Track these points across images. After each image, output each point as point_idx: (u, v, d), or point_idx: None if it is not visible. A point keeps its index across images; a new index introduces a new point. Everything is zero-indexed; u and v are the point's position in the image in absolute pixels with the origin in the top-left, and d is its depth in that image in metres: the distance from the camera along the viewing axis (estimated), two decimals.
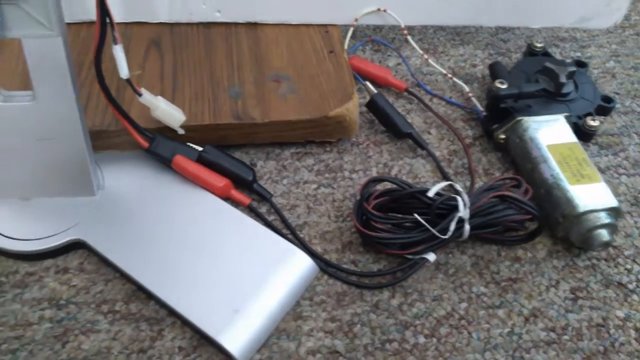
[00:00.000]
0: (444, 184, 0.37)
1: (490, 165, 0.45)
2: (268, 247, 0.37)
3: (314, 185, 0.42)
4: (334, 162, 0.44)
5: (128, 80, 0.36)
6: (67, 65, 0.33)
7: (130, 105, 0.40)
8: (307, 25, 0.49)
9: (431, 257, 0.37)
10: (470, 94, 0.49)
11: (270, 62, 0.46)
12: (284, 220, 0.40)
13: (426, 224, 0.36)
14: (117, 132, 0.40)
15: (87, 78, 0.43)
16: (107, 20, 0.32)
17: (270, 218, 0.40)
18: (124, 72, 0.35)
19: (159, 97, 0.39)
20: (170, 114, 0.39)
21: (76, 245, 0.37)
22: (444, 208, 0.37)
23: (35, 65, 0.33)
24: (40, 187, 0.38)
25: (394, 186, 0.38)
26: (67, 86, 0.34)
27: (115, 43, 0.34)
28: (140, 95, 0.37)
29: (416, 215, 0.36)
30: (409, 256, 0.38)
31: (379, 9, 0.49)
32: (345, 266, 0.38)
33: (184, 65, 0.45)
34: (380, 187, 0.38)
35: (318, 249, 0.39)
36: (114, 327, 0.34)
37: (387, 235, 0.37)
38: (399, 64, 0.52)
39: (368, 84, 0.45)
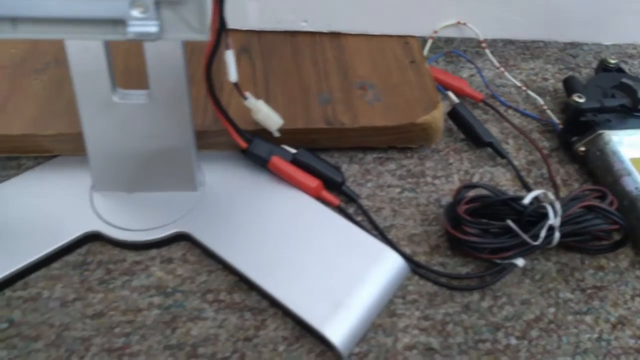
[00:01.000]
0: (538, 192, 0.38)
1: (568, 176, 0.46)
2: (361, 245, 0.39)
3: (398, 189, 0.44)
4: (415, 167, 0.45)
5: (236, 84, 0.38)
6: (183, 66, 0.35)
7: (227, 108, 0.43)
8: (387, 36, 0.51)
9: (520, 262, 0.39)
10: (544, 107, 0.50)
11: (355, 70, 0.48)
12: (372, 222, 0.41)
13: (519, 231, 0.37)
14: (217, 133, 0.42)
15: None
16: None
17: (358, 219, 0.41)
18: (233, 76, 0.38)
19: (260, 101, 0.41)
20: (270, 117, 0.41)
21: (179, 237, 0.39)
22: (534, 215, 0.38)
23: (154, 66, 0.35)
24: (146, 182, 0.40)
25: (486, 192, 0.39)
26: (182, 87, 0.36)
27: (227, 48, 0.37)
28: (245, 98, 0.40)
29: (509, 222, 0.38)
30: (498, 261, 0.39)
31: (458, 22, 0.51)
32: (435, 268, 0.39)
33: (274, 72, 0.47)
34: (471, 193, 0.40)
35: (407, 250, 0.40)
36: (219, 315, 0.36)
37: (478, 240, 0.38)
38: (472, 75, 0.54)
39: (450, 93, 0.47)
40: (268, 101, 0.44)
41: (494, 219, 0.39)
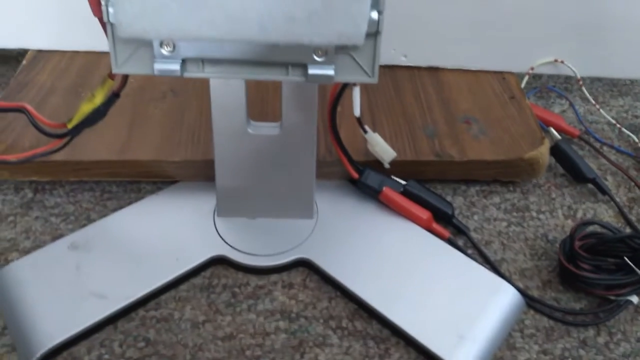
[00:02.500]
0: None
1: None
2: (477, 278, 0.39)
3: (505, 223, 0.45)
4: (519, 201, 0.46)
5: (358, 119, 0.40)
6: (316, 101, 0.37)
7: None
8: (484, 72, 0.52)
9: (635, 299, 0.39)
10: (639, 144, 0.51)
11: (457, 104, 0.49)
12: (483, 255, 0.42)
13: (636, 269, 0.38)
14: (331, 163, 0.43)
15: None
16: None
17: (468, 252, 0.42)
18: (357, 111, 0.39)
19: (376, 134, 0.42)
20: (385, 150, 0.42)
21: (299, 263, 0.40)
22: None
23: (289, 100, 0.37)
24: (267, 208, 0.41)
25: (602, 229, 0.40)
26: (312, 120, 0.38)
27: (355, 84, 0.38)
28: (366, 132, 0.41)
29: (627, 260, 0.38)
30: (613, 297, 0.39)
31: (556, 60, 0.52)
32: (549, 302, 0.40)
33: (378, 105, 0.49)
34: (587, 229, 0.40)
35: (519, 284, 0.41)
36: (344, 342, 0.37)
37: (593, 276, 0.39)
38: (563, 111, 0.55)
39: (552, 130, 0.48)
40: (374, 130, 0.46)
41: (608, 255, 0.40)
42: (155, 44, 0.28)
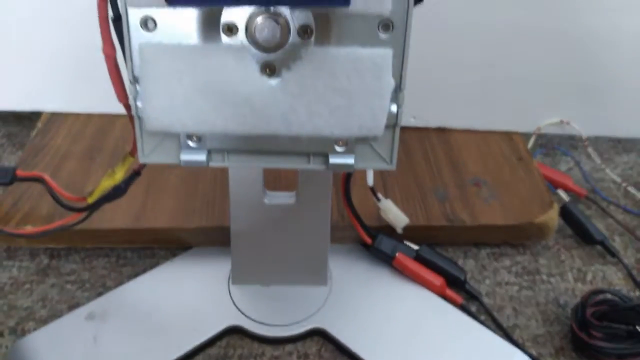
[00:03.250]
0: None
1: None
2: (490, 346, 0.39)
3: (516, 287, 0.45)
4: (529, 264, 0.47)
5: (372, 188, 0.41)
6: (331, 173, 0.38)
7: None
8: (492, 132, 0.53)
9: None
10: None
11: (466, 166, 0.50)
12: (495, 321, 0.42)
13: None
14: (344, 228, 0.44)
15: None
16: None
17: (481, 318, 0.43)
18: (370, 180, 0.40)
19: (389, 200, 0.43)
20: (398, 216, 0.43)
21: (314, 332, 0.40)
22: None
23: (305, 172, 0.38)
24: (281, 275, 0.42)
25: (613, 297, 0.40)
26: (328, 190, 0.39)
27: None
28: (379, 200, 0.42)
29: (638, 328, 0.39)
30: None
31: (561, 121, 0.53)
32: None
33: None
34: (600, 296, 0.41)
35: (533, 352, 0.41)
36: None
37: (605, 345, 0.39)
38: (569, 169, 0.56)
39: (560, 192, 0.49)
40: (386, 195, 0.47)
41: (621, 322, 0.40)
42: (182, 136, 0.29)
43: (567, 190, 0.52)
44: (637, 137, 0.57)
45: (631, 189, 0.53)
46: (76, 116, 0.53)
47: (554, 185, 0.51)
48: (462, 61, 0.50)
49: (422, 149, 0.52)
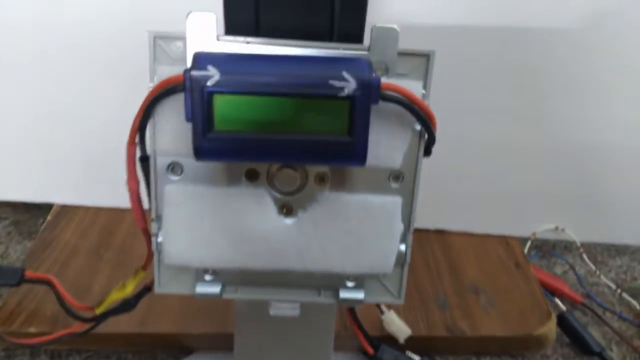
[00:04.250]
0: None
1: None
2: None
3: None
4: None
5: (377, 305, 0.42)
6: None
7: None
8: (489, 236, 0.55)
9: None
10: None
11: (465, 271, 0.51)
12: None
13: None
14: (346, 337, 0.44)
15: None
16: None
17: None
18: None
19: (392, 312, 0.44)
20: (401, 328, 0.44)
21: None
22: None
23: None
24: None
25: None
26: (333, 305, 0.39)
27: None
28: (382, 313, 0.43)
29: None
30: None
31: (557, 228, 0.55)
32: None
33: None
34: None
35: None
36: None
37: None
38: (564, 272, 0.57)
39: (558, 301, 0.50)
40: (389, 307, 0.47)
41: None
42: (199, 270, 0.30)
43: (563, 295, 0.53)
44: (630, 244, 0.59)
45: (625, 295, 0.54)
46: (86, 209, 0.54)
47: (550, 290, 0.53)
48: (461, 171, 0.52)
49: (422, 251, 0.53)
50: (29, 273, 0.42)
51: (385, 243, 0.29)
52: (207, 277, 0.30)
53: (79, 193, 0.54)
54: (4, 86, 0.50)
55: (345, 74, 0.24)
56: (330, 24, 0.27)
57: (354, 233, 0.29)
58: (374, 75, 0.25)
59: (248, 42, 0.26)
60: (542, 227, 0.55)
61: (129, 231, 0.52)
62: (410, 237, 0.30)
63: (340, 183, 0.28)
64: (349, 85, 0.24)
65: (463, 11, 0.47)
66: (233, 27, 0.27)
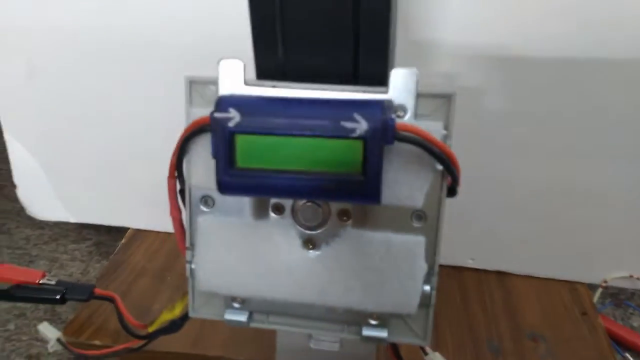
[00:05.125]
0: None
1: None
2: None
3: None
4: None
5: (422, 348, 0.41)
6: None
7: None
8: (554, 280, 0.52)
9: None
10: None
11: (524, 316, 0.48)
12: None
13: None
14: None
15: None
16: None
17: None
18: None
19: (437, 354, 0.43)
20: None
21: None
22: None
23: None
24: None
25: None
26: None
27: None
28: (426, 354, 0.42)
29: None
30: None
31: (631, 276, 0.50)
32: None
33: (442, 311, 0.49)
34: None
35: None
36: None
37: None
38: None
39: (629, 356, 0.46)
40: (437, 344, 0.46)
41: None
42: (227, 298, 0.31)
43: (636, 350, 0.48)
44: None
45: None
46: (156, 234, 0.58)
47: (621, 343, 0.48)
48: (526, 210, 0.50)
49: (480, 293, 0.51)
50: (97, 290, 0.46)
51: (407, 283, 0.29)
52: (236, 305, 0.31)
53: (151, 218, 0.58)
54: (76, 121, 0.56)
55: (357, 116, 0.25)
56: (353, 67, 0.28)
57: (376, 271, 0.29)
58: (389, 116, 0.25)
59: (274, 87, 0.28)
60: (614, 275, 0.51)
61: None
62: (434, 279, 0.29)
63: (363, 220, 0.29)
64: (360, 126, 0.25)
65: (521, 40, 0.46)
66: (262, 71, 0.29)
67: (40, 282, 0.45)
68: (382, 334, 0.30)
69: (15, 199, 0.65)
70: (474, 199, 0.51)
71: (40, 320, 0.51)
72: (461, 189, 0.29)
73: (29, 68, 0.54)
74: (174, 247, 0.57)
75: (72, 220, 0.60)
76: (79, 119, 0.55)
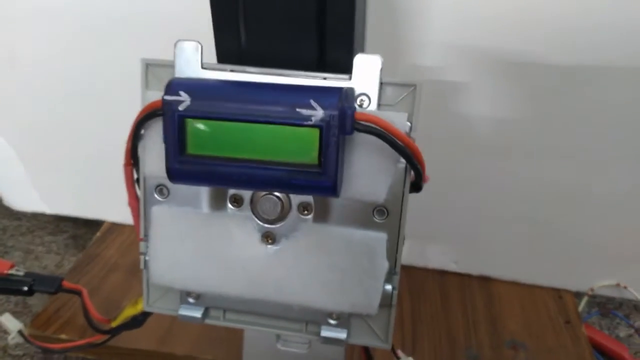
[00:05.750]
0: None
1: None
2: None
3: None
4: None
5: (392, 349, 0.39)
6: None
7: None
8: (539, 287, 0.50)
9: None
10: None
11: (505, 324, 0.47)
12: None
13: None
14: None
15: None
16: None
17: None
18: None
19: (410, 359, 0.41)
20: None
21: None
22: None
23: None
24: None
25: None
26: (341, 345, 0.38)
27: None
28: (398, 358, 0.40)
29: None
30: None
31: (618, 284, 0.49)
32: None
33: (422, 314, 0.48)
34: None
35: None
36: None
37: None
38: (629, 335, 0.51)
39: None
40: (414, 350, 0.45)
41: None
42: (182, 293, 0.30)
43: None
44: None
45: None
46: (131, 228, 0.56)
47: (606, 355, 0.47)
48: (513, 213, 0.48)
49: (461, 297, 0.49)
50: (65, 283, 0.45)
51: (367, 281, 0.27)
52: (191, 300, 0.30)
53: (128, 212, 0.56)
54: (56, 112, 0.54)
55: (313, 103, 0.23)
56: (318, 54, 0.27)
57: (336, 268, 0.27)
58: (348, 104, 0.24)
59: (232, 70, 0.26)
60: (602, 283, 0.49)
61: None
62: (396, 278, 0.28)
63: (324, 214, 0.27)
64: (317, 113, 0.23)
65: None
66: (222, 55, 0.27)
67: (8, 272, 0.44)
68: (341, 335, 0.29)
69: None
70: (459, 200, 0.49)
71: (11, 312, 0.50)
72: (428, 186, 0.27)
73: (11, 56, 0.53)
74: None
75: (49, 211, 0.58)
76: (60, 110, 0.53)
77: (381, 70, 0.25)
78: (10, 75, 0.52)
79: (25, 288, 0.43)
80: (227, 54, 0.27)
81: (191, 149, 0.25)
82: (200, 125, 0.24)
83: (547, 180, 0.47)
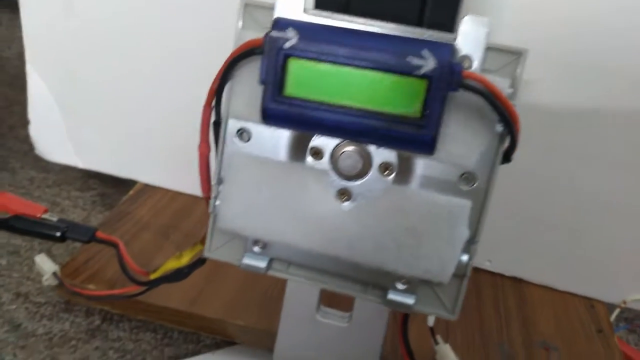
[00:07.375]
0: None
1: None
2: None
3: None
4: None
5: (431, 329, 0.39)
6: None
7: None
8: (571, 294, 0.50)
9: None
10: None
11: (537, 325, 0.46)
12: None
13: None
14: None
15: None
16: None
17: None
18: (430, 321, 0.38)
19: (447, 346, 0.40)
20: None
21: None
22: None
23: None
24: None
25: None
26: (383, 321, 0.37)
27: None
28: (437, 343, 0.40)
29: None
30: None
31: None
32: None
33: None
34: None
35: None
36: None
37: None
38: None
39: None
40: (447, 338, 0.44)
41: None
42: (249, 241, 0.29)
43: None
44: None
45: None
46: (165, 192, 0.56)
47: None
48: (551, 218, 0.48)
49: (494, 296, 0.49)
50: (99, 233, 0.44)
51: (445, 248, 0.27)
52: (256, 249, 0.29)
53: (162, 174, 0.56)
54: (103, 67, 0.54)
55: (425, 53, 0.23)
56: (420, 10, 0.26)
57: (413, 232, 0.27)
58: (456, 61, 0.24)
59: (333, 18, 0.26)
60: (634, 296, 0.49)
61: (200, 219, 0.53)
62: (475, 248, 0.27)
63: (406, 176, 0.27)
64: (428, 63, 0.23)
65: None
66: (323, 2, 0.27)
67: (42, 216, 0.44)
68: (409, 300, 0.28)
69: (24, 140, 0.63)
70: (499, 199, 0.49)
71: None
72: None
73: (67, 4, 0.52)
74: (182, 206, 0.55)
75: (81, 165, 0.57)
76: (106, 63, 0.53)
77: (488, 33, 0.25)
78: (62, 22, 0.52)
79: (58, 234, 0.43)
80: (327, 2, 0.27)
81: (290, 90, 0.25)
82: (303, 66, 0.24)
83: (588, 190, 0.47)
